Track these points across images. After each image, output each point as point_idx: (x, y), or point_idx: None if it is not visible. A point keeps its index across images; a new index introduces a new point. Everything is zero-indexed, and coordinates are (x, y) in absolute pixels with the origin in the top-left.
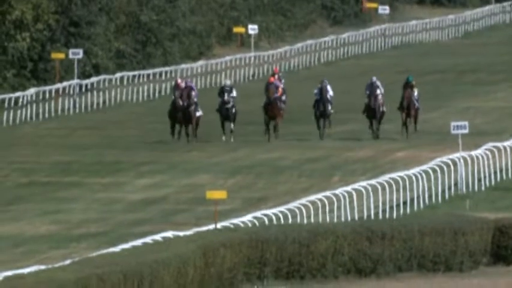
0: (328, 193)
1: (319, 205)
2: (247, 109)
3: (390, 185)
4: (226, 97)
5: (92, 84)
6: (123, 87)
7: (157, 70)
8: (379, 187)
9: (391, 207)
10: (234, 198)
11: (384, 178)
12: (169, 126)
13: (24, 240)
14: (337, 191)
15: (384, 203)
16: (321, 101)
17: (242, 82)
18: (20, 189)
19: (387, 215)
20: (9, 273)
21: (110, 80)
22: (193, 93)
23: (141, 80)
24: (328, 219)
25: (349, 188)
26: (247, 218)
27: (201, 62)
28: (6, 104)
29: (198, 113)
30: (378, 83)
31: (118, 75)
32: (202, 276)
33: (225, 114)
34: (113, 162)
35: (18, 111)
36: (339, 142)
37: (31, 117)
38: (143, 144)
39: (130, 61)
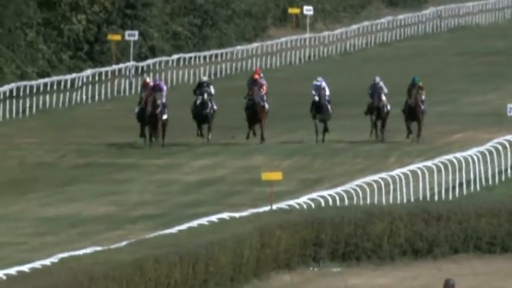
0: (384, 174)
1: (375, 186)
2: (304, 91)
3: (446, 167)
4: (206, 97)
5: (148, 66)
6: (179, 69)
7: (213, 52)
8: (435, 169)
9: (447, 189)
10: (289, 180)
11: (440, 159)
12: (139, 129)
13: (80, 221)
14: (393, 173)
15: (439, 185)
16: (319, 104)
17: (298, 64)
18: (76, 170)
19: (443, 197)
20: (65, 254)
21: (166, 62)
22: (162, 93)
23: (197, 62)
24: (384, 201)
25: (405, 170)
26: (303, 199)
27: (256, 44)
28: (62, 86)
29: (165, 116)
30: (381, 84)
31: (174, 57)
32: (257, 258)
33: (202, 118)
34: (169, 143)
35: (74, 93)
36: (394, 123)
37: (87, 99)
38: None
39: (186, 43)
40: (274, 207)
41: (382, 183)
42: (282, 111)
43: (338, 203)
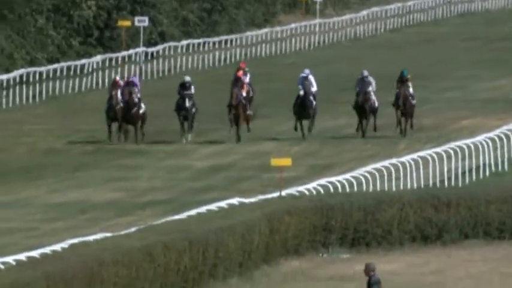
0: (394, 160)
1: (385, 172)
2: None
3: (456, 153)
4: (187, 104)
5: (158, 51)
6: (189, 55)
7: (222, 38)
8: (444, 155)
9: (457, 175)
10: (299, 166)
11: (449, 146)
12: (106, 127)
13: (89, 207)
14: (403, 159)
15: (449, 171)
16: (303, 98)
17: (307, 50)
18: (85, 156)
19: (453, 183)
20: (75, 240)
21: (176, 48)
22: (135, 89)
23: (206, 47)
24: (393, 187)
25: (415, 156)
26: (312, 185)
27: (265, 30)
28: (72, 72)
29: (142, 110)
30: (370, 79)
31: (184, 42)
32: (267, 243)
33: (184, 117)
34: (179, 129)
35: (84, 79)
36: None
37: (97, 85)
38: (208, 111)
39: (195, 29)
40: (284, 193)
41: (392, 169)
42: (291, 97)
43: (347, 189)
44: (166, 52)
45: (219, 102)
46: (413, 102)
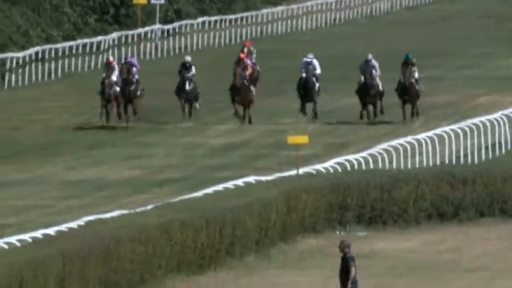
0: (410, 138)
1: (401, 150)
2: (330, 54)
3: (472, 130)
4: (187, 86)
5: (174, 29)
6: (205, 33)
7: (238, 15)
8: (460, 132)
9: (473, 152)
10: (315, 144)
11: (465, 123)
12: (100, 107)
13: (106, 185)
14: (419, 136)
15: (465, 148)
16: (305, 80)
17: (323, 27)
18: (101, 134)
19: (469, 160)
20: (91, 217)
21: (192, 25)
22: (134, 69)
23: (222, 25)
24: (410, 165)
25: (431, 133)
26: (329, 163)
27: (281, 7)
28: (88, 49)
29: (139, 92)
30: (374, 62)
31: (200, 20)
32: (284, 222)
33: (186, 98)
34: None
35: (100, 56)
36: (420, 86)
37: None
38: (224, 89)
39: (211, 6)
40: (300, 171)
41: (408, 147)
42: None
43: (364, 166)
44: (183, 29)
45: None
46: (418, 87)
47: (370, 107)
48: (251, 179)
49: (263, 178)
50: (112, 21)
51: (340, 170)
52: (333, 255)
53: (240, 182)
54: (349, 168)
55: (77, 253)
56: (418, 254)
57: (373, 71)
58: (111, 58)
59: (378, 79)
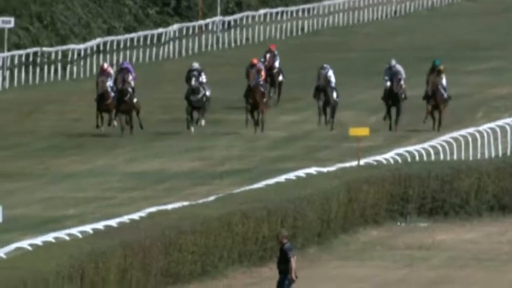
0: (471, 130)
1: (462, 142)
2: (390, 46)
3: None
4: (193, 82)
5: (235, 20)
6: (266, 25)
7: (299, 7)
8: None
9: None
10: (376, 135)
11: None
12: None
13: (167, 177)
14: (481, 128)
15: None
16: (322, 90)
17: (384, 19)
18: (163, 125)
19: None
20: (153, 209)
21: (253, 17)
22: (130, 76)
23: (284, 17)
24: (471, 156)
25: (493, 125)
26: (390, 154)
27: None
28: (149, 41)
29: (135, 99)
30: (398, 67)
31: (261, 12)
32: (345, 212)
33: (195, 105)
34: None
35: (161, 48)
36: (482, 78)
37: (174, 54)
38: (288, 80)
39: None
40: (362, 162)
41: (470, 139)
42: (368, 66)
43: (425, 158)
44: (244, 21)
45: (297, 71)
46: (445, 95)
47: (393, 112)
48: (313, 170)
49: (325, 169)
50: (173, 13)
51: (401, 161)
52: (395, 247)
53: (301, 173)
54: (410, 159)
55: (138, 244)
56: (479, 245)
57: (398, 76)
58: (105, 65)
59: (403, 84)
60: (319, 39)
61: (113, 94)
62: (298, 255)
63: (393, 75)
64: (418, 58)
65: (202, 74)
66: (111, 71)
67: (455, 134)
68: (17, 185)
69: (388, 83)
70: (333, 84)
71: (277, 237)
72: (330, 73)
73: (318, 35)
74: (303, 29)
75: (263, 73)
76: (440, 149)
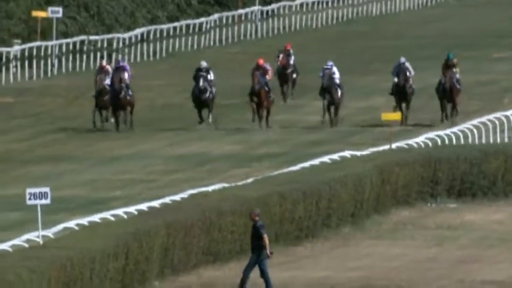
0: (499, 114)
1: (490, 126)
2: (422, 34)
3: None
4: (201, 83)
5: (273, 10)
6: (303, 14)
7: None
8: None
9: None
10: (408, 120)
11: None
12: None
13: (208, 159)
14: (508, 113)
15: None
16: (327, 89)
17: (416, 9)
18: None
19: None
20: (194, 190)
21: (290, 7)
22: (126, 74)
23: (319, 6)
24: (498, 140)
25: None
26: (421, 138)
27: None
28: (191, 30)
29: (129, 97)
30: (407, 65)
31: (298, 1)
32: (377, 194)
33: (201, 103)
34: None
35: (202, 36)
36: (509, 65)
37: (214, 42)
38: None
39: None
40: (394, 146)
41: (497, 123)
42: (399, 53)
43: (454, 142)
44: (281, 11)
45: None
46: (459, 87)
47: (404, 107)
48: (346, 153)
49: (358, 153)
50: (214, 3)
51: (431, 145)
52: (425, 227)
53: (335, 156)
54: (440, 143)
55: (180, 224)
56: (506, 226)
57: (407, 73)
58: (104, 63)
59: (411, 81)
60: (353, 28)
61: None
62: (332, 235)
63: (401, 71)
64: (447, 45)
65: (211, 72)
66: (110, 69)
67: (483, 118)
68: (65, 167)
69: (396, 79)
70: (337, 81)
71: (250, 215)
72: (334, 70)
73: (352, 23)
74: (338, 18)
75: (270, 73)
76: (468, 133)
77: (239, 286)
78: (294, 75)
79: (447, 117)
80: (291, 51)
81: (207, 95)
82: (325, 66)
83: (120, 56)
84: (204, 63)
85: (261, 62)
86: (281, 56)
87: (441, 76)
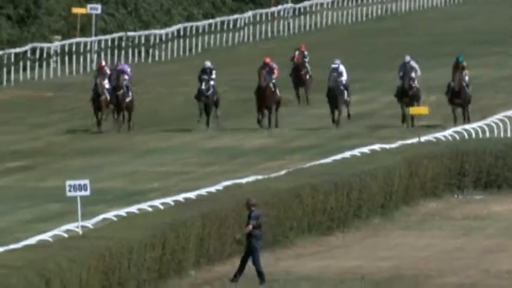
0: None
1: None
2: (448, 31)
3: None
4: (204, 86)
5: (305, 7)
6: (334, 11)
7: None
8: None
9: None
10: (435, 114)
11: None
12: (93, 113)
13: (242, 152)
14: None
15: None
16: (332, 91)
17: (442, 6)
18: (237, 105)
19: None
20: (228, 182)
21: (321, 4)
22: (125, 76)
23: (349, 4)
24: None
25: None
26: (448, 132)
27: None
28: (225, 26)
29: (128, 98)
30: (413, 63)
31: None
32: (406, 186)
33: (205, 103)
34: (324, 80)
35: (237, 33)
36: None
37: (248, 39)
38: (354, 63)
39: None
40: (422, 139)
41: None
42: (427, 49)
43: (480, 135)
44: (313, 8)
45: (362, 55)
46: (469, 91)
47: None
48: (376, 146)
49: (387, 146)
50: (248, 1)
51: (458, 138)
52: (453, 218)
53: (366, 149)
54: (467, 136)
55: (215, 215)
56: None
57: (413, 73)
58: (103, 63)
59: (416, 82)
60: (382, 25)
61: (107, 93)
62: (363, 225)
63: (406, 72)
64: (475, 41)
65: (213, 71)
66: (108, 70)
67: (509, 112)
68: (104, 160)
69: (400, 81)
70: (344, 82)
71: (246, 203)
72: (342, 68)
73: (381, 20)
74: (367, 14)
75: (276, 71)
76: (494, 126)
77: (235, 275)
78: (307, 77)
79: (456, 119)
80: (306, 53)
81: (209, 93)
82: (333, 66)
83: (118, 60)
84: (208, 63)
85: (268, 60)
86: (297, 53)
87: (450, 80)
